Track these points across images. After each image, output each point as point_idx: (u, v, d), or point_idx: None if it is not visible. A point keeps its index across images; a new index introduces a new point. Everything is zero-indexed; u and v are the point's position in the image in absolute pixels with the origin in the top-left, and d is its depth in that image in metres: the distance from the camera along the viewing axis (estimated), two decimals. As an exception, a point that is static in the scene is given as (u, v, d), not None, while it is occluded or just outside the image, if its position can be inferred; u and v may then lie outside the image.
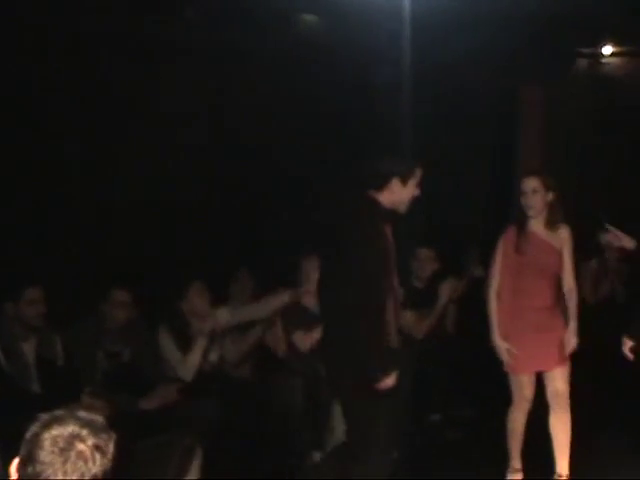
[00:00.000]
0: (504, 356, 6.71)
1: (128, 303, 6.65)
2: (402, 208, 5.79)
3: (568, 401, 6.74)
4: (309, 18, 8.66)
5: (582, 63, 12.29)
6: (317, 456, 7.29)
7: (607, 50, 11.88)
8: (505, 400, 7.23)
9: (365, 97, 8.81)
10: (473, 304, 8.65)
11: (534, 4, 8.57)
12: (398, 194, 5.75)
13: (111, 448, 2.74)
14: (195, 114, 8.31)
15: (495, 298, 6.76)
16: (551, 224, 6.68)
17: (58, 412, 2.71)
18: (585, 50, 12.06)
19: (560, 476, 6.80)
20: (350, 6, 7.37)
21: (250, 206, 8.72)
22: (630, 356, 6.39)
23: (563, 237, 6.72)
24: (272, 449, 7.18)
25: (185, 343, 6.98)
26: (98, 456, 2.68)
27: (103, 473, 2.71)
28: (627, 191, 10.64)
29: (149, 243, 7.93)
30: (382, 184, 5.72)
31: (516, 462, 6.89)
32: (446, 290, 8.05)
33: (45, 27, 7.14)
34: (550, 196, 6.62)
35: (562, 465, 6.81)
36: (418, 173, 5.80)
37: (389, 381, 5.67)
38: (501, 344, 6.71)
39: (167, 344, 6.94)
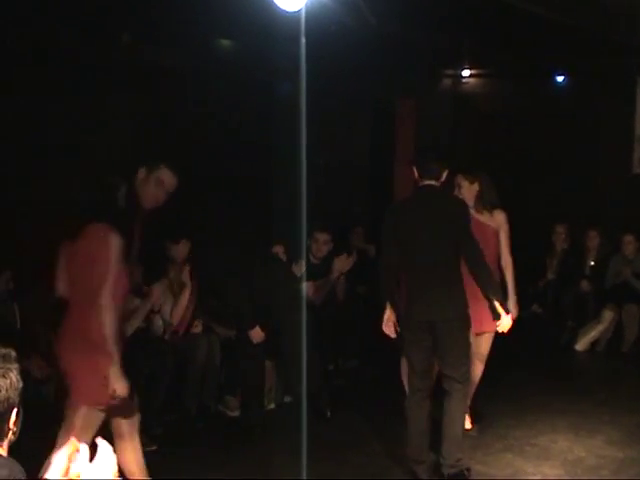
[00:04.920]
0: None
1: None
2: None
3: None
4: (225, 42, 8.71)
5: (446, 82, 12.53)
6: (229, 399, 7.38)
7: (465, 73, 12.15)
8: (382, 354, 7.38)
9: (268, 106, 8.91)
10: (359, 277, 8.85)
11: (409, 34, 8.72)
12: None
13: (13, 375, 2.83)
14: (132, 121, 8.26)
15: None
16: (482, 208, 6.58)
17: None
18: (448, 72, 12.29)
19: None
20: (258, 31, 7.47)
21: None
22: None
23: (497, 219, 6.62)
24: (191, 395, 7.24)
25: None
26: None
27: (6, 390, 2.80)
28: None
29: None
30: None
31: None
32: (338, 265, 8.12)
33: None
34: (476, 187, 6.58)
35: None
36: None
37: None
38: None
39: None
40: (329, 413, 7.25)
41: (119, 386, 4.46)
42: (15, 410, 2.83)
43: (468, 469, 5.82)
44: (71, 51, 7.44)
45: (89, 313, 4.44)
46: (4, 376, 2.79)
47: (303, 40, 4.52)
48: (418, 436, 5.76)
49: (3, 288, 6.25)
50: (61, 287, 4.75)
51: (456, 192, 6.68)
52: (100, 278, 4.42)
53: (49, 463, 2.88)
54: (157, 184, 4.81)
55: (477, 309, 5.91)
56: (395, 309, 5.75)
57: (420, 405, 5.75)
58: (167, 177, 4.86)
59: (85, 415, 4.53)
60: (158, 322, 7.20)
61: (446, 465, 5.70)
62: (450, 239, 5.61)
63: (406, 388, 6.88)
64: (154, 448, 6.37)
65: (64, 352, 4.64)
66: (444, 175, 5.73)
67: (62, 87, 7.63)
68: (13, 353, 2.86)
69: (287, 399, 7.59)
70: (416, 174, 5.71)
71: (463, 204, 5.82)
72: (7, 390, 2.79)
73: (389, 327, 5.81)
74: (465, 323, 5.68)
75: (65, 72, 7.57)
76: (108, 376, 4.44)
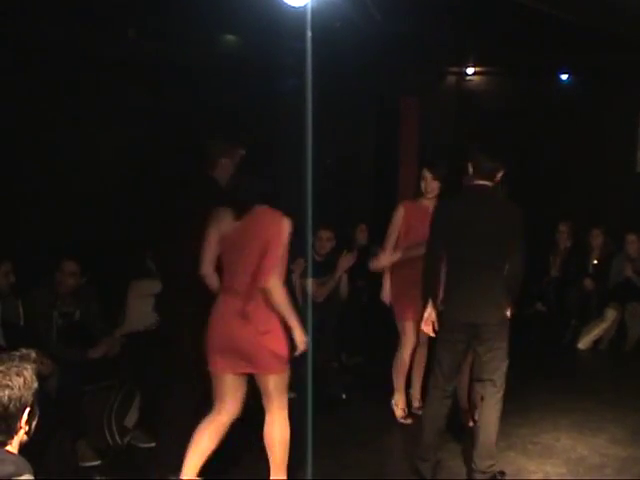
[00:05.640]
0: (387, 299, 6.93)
1: (76, 272, 6.61)
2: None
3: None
4: (230, 37, 8.68)
5: (450, 79, 12.50)
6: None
7: (470, 70, 12.13)
8: (385, 350, 7.35)
9: (274, 102, 8.86)
10: (361, 275, 8.81)
11: (414, 31, 8.71)
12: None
13: (28, 374, 2.81)
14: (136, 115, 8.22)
15: (390, 251, 6.88)
16: None
17: None
18: (453, 69, 12.27)
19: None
20: (263, 27, 7.45)
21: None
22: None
23: None
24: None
25: None
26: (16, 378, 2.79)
27: (19, 388, 2.79)
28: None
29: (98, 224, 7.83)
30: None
31: (399, 395, 7.04)
32: (343, 263, 8.07)
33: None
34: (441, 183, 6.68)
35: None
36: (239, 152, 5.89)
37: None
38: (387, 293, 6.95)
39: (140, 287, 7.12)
40: (344, 395, 7.46)
41: (303, 341, 5.09)
42: (28, 410, 2.81)
43: (501, 472, 5.76)
44: (75, 47, 7.42)
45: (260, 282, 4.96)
46: (18, 375, 2.78)
47: (309, 36, 4.50)
48: (431, 434, 5.71)
49: (3, 282, 6.20)
50: (207, 268, 5.11)
51: (422, 183, 6.76)
52: (277, 258, 4.96)
53: None
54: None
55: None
56: (436, 307, 5.63)
57: (441, 404, 5.68)
58: None
59: (278, 381, 5.16)
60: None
61: (477, 471, 5.62)
62: (500, 243, 5.47)
63: (395, 385, 6.96)
64: (153, 445, 6.38)
65: (238, 331, 5.01)
66: (498, 176, 5.60)
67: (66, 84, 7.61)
68: (33, 354, 2.85)
69: (291, 395, 7.51)
70: (470, 171, 5.54)
71: (519, 211, 5.59)
72: (20, 389, 2.78)
73: (428, 325, 5.66)
74: (505, 327, 5.59)
75: (68, 68, 7.55)
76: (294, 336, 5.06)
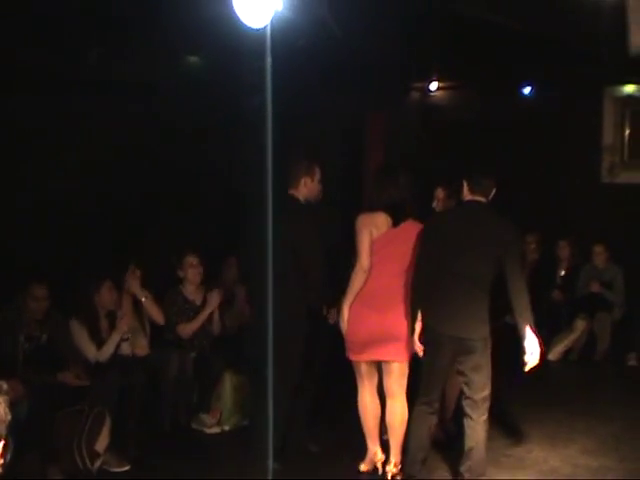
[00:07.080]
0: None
1: (45, 297, 6.60)
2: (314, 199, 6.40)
3: None
4: (192, 59, 8.73)
5: (415, 95, 12.59)
6: (204, 417, 7.32)
7: (433, 86, 12.24)
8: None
9: (237, 120, 8.87)
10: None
11: (376, 49, 8.79)
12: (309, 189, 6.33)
13: (1, 408, 2.80)
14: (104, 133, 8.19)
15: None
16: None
17: None
18: (417, 85, 12.36)
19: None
20: (224, 47, 7.49)
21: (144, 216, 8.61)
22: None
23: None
24: (165, 412, 7.23)
25: (95, 332, 6.93)
26: None
27: None
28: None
29: (64, 245, 7.76)
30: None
31: None
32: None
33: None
34: (453, 201, 6.60)
35: None
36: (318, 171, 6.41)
37: None
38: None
39: (81, 336, 6.84)
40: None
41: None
42: (2, 443, 2.79)
43: None
44: (39, 67, 7.39)
45: (405, 281, 5.77)
46: None
47: (269, 59, 4.56)
48: (417, 451, 5.71)
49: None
50: (367, 263, 5.83)
51: (435, 205, 6.75)
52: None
53: None
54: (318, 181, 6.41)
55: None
56: (422, 322, 5.62)
57: (425, 419, 5.69)
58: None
59: (404, 368, 5.93)
60: (127, 350, 7.15)
61: None
62: (490, 259, 5.48)
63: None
64: (127, 468, 6.36)
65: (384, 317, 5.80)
66: (492, 192, 5.66)
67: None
68: (5, 385, 2.82)
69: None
70: (465, 188, 5.62)
71: (514, 228, 5.66)
72: None
73: (419, 342, 5.67)
74: (487, 344, 5.63)
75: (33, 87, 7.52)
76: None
